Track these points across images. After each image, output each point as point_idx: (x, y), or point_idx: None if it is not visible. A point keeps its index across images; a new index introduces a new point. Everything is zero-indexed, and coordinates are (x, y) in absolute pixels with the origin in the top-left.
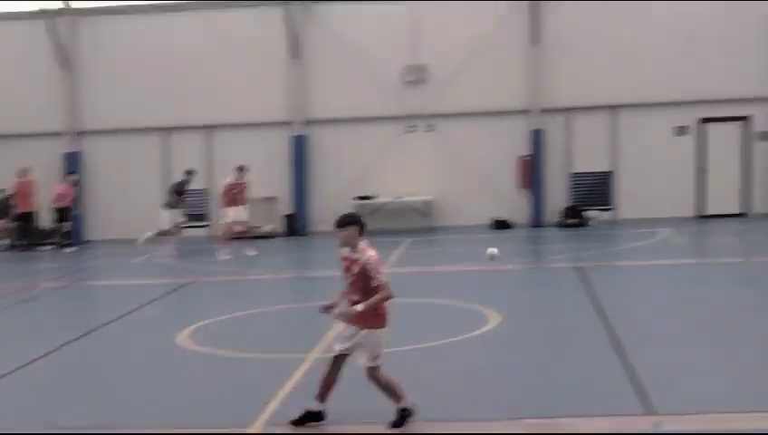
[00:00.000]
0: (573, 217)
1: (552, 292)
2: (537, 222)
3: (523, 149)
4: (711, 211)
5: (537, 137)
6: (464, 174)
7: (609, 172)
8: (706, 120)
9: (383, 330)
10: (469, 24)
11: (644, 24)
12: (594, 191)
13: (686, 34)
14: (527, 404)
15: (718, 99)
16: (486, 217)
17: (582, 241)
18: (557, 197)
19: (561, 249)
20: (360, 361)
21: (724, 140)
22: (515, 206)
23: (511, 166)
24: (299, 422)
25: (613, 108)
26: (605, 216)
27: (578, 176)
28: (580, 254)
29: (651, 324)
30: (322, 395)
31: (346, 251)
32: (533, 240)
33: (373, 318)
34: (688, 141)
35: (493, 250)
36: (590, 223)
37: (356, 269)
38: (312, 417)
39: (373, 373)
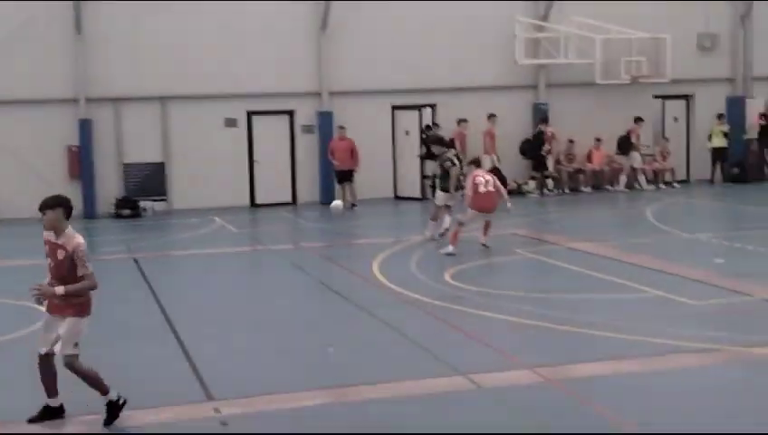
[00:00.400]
0: (127, 207)
1: (109, 285)
2: (90, 214)
3: (72, 139)
4: (263, 200)
5: (85, 127)
6: (7, 165)
7: (162, 163)
8: (255, 113)
9: (87, 318)
10: (6, 10)
11: (199, 21)
12: (147, 182)
13: (237, 31)
14: (91, 403)
15: (266, 93)
16: (34, 209)
17: (138, 232)
18: (110, 187)
19: (117, 241)
20: (57, 349)
21: (272, 132)
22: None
23: (59, 156)
24: (38, 419)
25: (164, 99)
26: (160, 206)
27: (130, 166)
28: (136, 245)
29: (208, 312)
30: (50, 392)
31: (50, 235)
32: (87, 232)
33: (78, 305)
34: (239, 133)
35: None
36: (144, 213)
37: (60, 256)
38: (52, 412)
39: (72, 362)
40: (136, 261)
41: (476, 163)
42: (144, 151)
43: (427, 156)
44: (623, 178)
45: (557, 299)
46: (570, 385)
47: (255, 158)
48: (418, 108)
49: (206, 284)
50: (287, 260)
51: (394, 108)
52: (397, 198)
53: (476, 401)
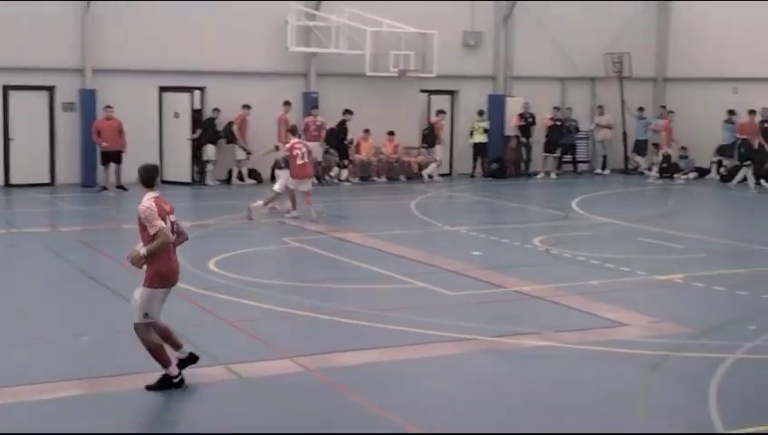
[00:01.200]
0: None
1: None
2: None
3: None
4: (19, 180)
5: None
6: None
7: None
8: (11, 88)
9: (154, 290)
10: None
11: None
12: None
13: None
14: None
15: (24, 66)
16: None
17: None
18: None
19: None
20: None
21: (29, 108)
22: None
23: None
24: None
25: None
26: None
27: None
28: None
29: None
30: (173, 345)
31: None
32: None
33: (147, 275)
34: None
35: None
36: None
37: (137, 219)
38: (186, 362)
39: (138, 328)
40: None
41: (293, 131)
42: None
43: (202, 140)
44: (432, 168)
45: (321, 289)
46: (330, 374)
47: (10, 135)
48: (189, 90)
49: None
50: (42, 244)
51: (162, 89)
52: (164, 182)
53: (235, 391)
